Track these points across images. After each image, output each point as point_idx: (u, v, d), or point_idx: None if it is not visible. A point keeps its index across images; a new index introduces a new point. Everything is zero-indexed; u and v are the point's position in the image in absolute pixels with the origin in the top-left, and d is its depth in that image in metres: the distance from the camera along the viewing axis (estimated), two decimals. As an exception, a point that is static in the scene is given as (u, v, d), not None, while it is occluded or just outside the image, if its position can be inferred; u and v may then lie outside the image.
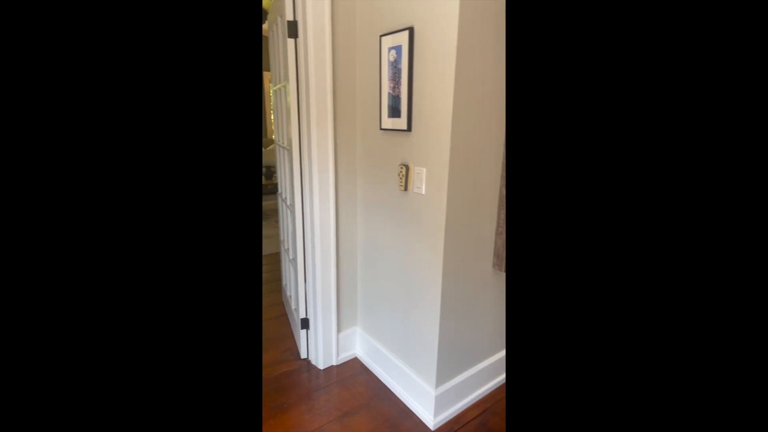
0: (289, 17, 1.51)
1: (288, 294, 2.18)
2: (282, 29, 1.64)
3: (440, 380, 1.47)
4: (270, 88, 6.44)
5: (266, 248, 3.39)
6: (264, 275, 2.86)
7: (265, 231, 3.86)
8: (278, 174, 2.19)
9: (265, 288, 2.66)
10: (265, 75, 6.33)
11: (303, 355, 1.90)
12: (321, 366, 1.83)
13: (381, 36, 1.42)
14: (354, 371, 1.82)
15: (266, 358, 1.90)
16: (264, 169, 4.94)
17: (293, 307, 2.02)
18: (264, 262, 3.10)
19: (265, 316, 2.30)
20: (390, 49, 1.38)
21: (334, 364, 1.86)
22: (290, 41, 1.53)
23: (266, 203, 5.01)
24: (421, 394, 1.53)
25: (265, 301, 2.48)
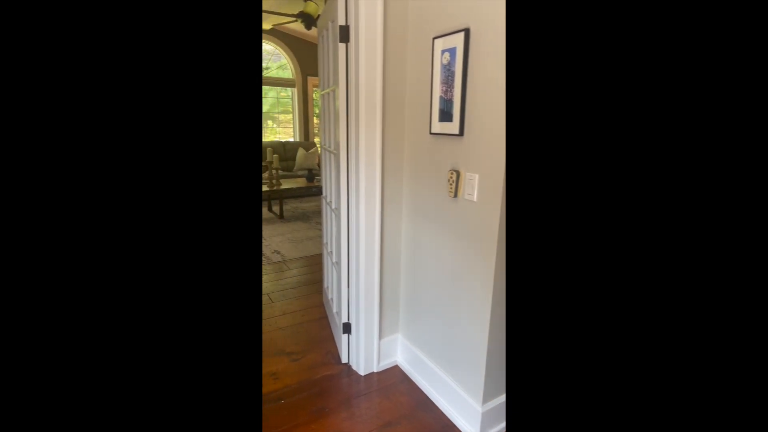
0: (341, 22, 1.51)
1: (330, 297, 2.19)
2: (333, 34, 1.65)
3: (488, 396, 1.40)
4: (315, 93, 6.60)
5: (309, 250, 3.44)
6: (306, 276, 2.90)
7: (307, 233, 3.93)
8: (323, 177, 2.21)
9: (307, 289, 2.69)
10: (312, 80, 6.50)
11: (344, 360, 1.89)
12: (362, 372, 1.81)
13: (434, 38, 1.39)
14: (395, 380, 1.79)
15: (308, 360, 1.92)
16: (306, 172, 5.05)
17: (335, 310, 2.03)
18: (306, 263, 3.15)
19: (306, 317, 2.32)
20: (443, 51, 1.35)
21: (375, 371, 1.84)
22: (341, 46, 1.54)
23: (308, 205, 5.11)
24: (466, 409, 1.46)
25: (307, 302, 2.51)
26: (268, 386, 1.72)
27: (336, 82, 1.65)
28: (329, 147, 1.98)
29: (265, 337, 2.10)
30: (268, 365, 1.86)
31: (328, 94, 1.92)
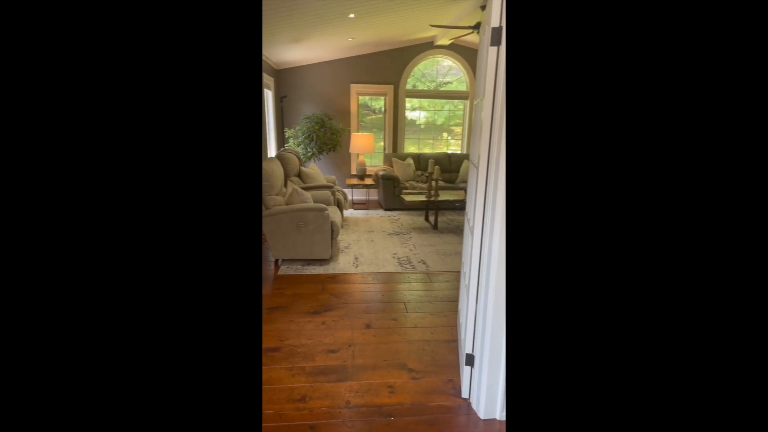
0: (495, 24, 1.37)
1: (460, 321, 2.04)
2: (486, 38, 1.52)
3: None
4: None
5: (455, 265, 3.33)
6: (446, 292, 2.80)
7: (457, 247, 3.82)
8: (467, 192, 2.08)
9: (444, 306, 2.59)
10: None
11: (464, 394, 1.72)
12: (482, 415, 1.60)
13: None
14: (519, 436, 1.51)
15: (427, 383, 1.82)
16: (466, 184, 4.94)
17: (462, 336, 1.87)
18: (449, 278, 3.05)
19: (436, 336, 2.22)
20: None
21: (497, 418, 1.59)
22: (492, 50, 1.39)
23: (463, 218, 4.99)
24: None
25: (440, 320, 2.41)
26: (382, 398, 1.70)
27: (484, 90, 1.51)
28: (474, 160, 1.84)
29: (390, 347, 2.11)
30: (387, 376, 1.85)
31: (478, 103, 1.79)
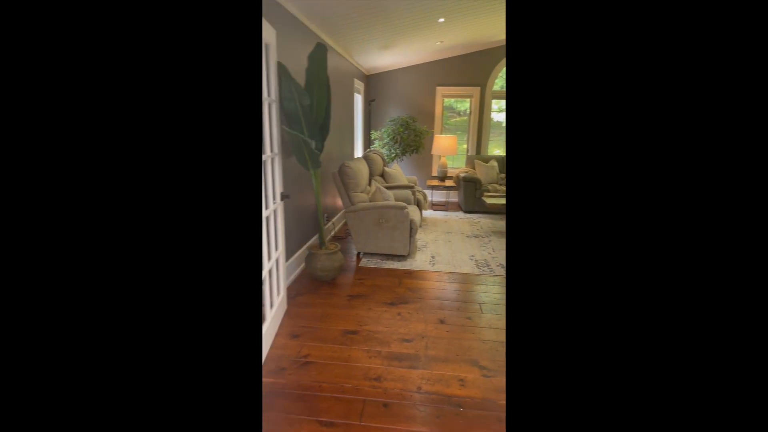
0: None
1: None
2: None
3: None
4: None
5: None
6: (524, 298, 2.73)
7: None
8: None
9: (521, 311, 2.54)
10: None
11: (537, 398, 1.69)
12: (554, 420, 1.57)
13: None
14: (595, 448, 1.45)
15: (498, 381, 1.83)
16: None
17: (539, 340, 1.83)
18: (528, 284, 2.96)
19: (511, 339, 2.20)
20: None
21: (571, 426, 1.55)
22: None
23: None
24: None
25: (517, 324, 2.37)
26: (453, 389, 1.76)
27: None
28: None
29: (463, 343, 2.15)
30: (458, 370, 1.90)
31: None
